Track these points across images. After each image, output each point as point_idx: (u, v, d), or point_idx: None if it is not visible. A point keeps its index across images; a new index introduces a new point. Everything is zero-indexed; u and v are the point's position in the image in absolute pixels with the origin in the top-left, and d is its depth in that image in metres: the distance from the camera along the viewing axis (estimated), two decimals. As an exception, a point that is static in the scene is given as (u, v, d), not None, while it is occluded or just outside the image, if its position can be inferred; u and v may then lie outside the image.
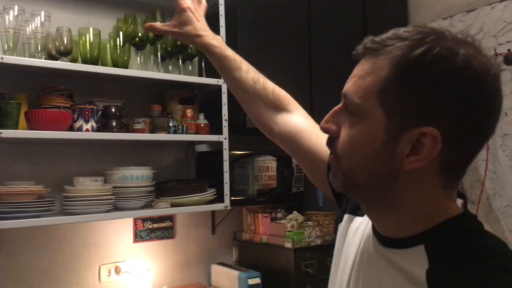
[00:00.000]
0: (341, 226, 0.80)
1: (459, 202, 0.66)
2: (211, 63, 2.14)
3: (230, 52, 0.98)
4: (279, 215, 2.22)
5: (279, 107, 0.97)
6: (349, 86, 0.64)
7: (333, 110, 0.67)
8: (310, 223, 2.15)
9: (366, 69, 0.62)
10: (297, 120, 0.95)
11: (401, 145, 0.59)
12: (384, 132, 0.60)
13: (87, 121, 1.69)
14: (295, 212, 2.25)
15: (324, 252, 2.09)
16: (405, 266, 0.61)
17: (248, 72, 0.98)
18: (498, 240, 0.61)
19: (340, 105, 0.66)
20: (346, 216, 0.80)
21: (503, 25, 2.30)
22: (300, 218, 2.19)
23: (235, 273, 2.04)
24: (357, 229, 0.75)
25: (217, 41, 0.98)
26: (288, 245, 2.03)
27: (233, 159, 2.04)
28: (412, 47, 0.58)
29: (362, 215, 0.76)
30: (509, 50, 2.26)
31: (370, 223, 0.71)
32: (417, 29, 0.60)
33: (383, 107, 0.60)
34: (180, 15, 0.96)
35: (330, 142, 0.67)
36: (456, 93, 0.58)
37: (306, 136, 0.91)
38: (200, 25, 0.96)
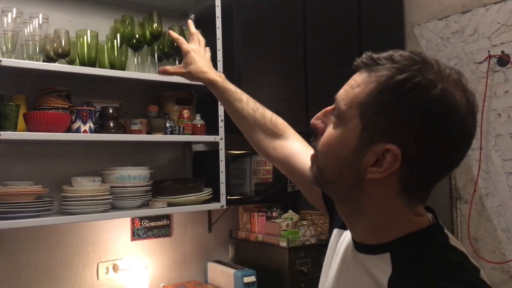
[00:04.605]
0: (331, 240, 0.86)
1: (429, 216, 0.71)
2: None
3: (231, 86, 1.10)
4: (274, 214, 2.25)
5: (276, 134, 1.07)
6: (341, 92, 0.71)
7: (325, 109, 0.74)
8: (304, 222, 2.18)
9: (358, 81, 0.68)
10: (292, 145, 1.05)
11: (368, 155, 0.66)
12: (357, 140, 0.66)
13: (85, 122, 1.71)
14: (290, 211, 2.28)
15: (318, 251, 2.12)
16: (373, 271, 0.68)
17: (248, 103, 1.08)
18: (458, 254, 0.67)
19: (332, 106, 0.73)
20: (335, 231, 0.85)
21: (497, 26, 2.32)
22: (295, 217, 2.23)
23: (231, 271, 2.07)
24: (344, 240, 0.80)
25: (219, 77, 1.10)
26: (283, 244, 2.06)
27: (229, 159, 2.07)
28: (398, 71, 0.64)
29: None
30: (502, 51, 2.28)
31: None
32: (410, 56, 0.66)
33: (361, 118, 0.66)
34: (185, 56, 1.11)
35: (315, 138, 0.74)
36: (425, 122, 0.63)
37: (300, 158, 0.99)
38: (204, 64, 1.10)
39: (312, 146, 0.74)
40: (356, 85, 0.68)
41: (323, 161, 0.71)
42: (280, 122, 1.08)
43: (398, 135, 0.63)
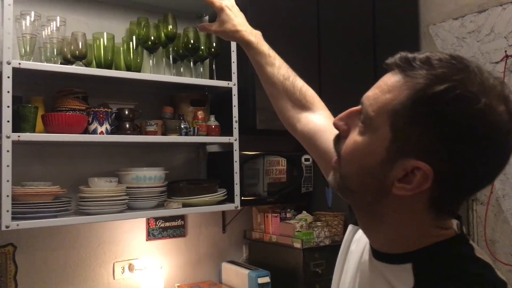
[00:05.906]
0: (345, 235, 0.84)
1: (454, 222, 0.68)
2: (221, 66, 2.10)
3: (265, 48, 1.04)
4: (288, 215, 2.25)
5: (304, 106, 1.00)
6: (369, 94, 0.65)
7: (349, 110, 0.68)
8: (319, 223, 2.17)
9: (389, 84, 0.62)
10: (318, 120, 0.97)
11: (396, 169, 0.61)
12: (385, 150, 0.61)
13: (101, 124, 1.73)
14: (304, 212, 2.28)
15: (332, 252, 2.09)
16: (393, 281, 0.65)
17: (280, 68, 1.02)
18: (484, 266, 0.63)
19: (357, 108, 0.67)
20: (350, 226, 0.83)
21: (514, 26, 2.29)
22: (309, 218, 2.22)
23: (245, 271, 2.08)
24: (360, 239, 0.78)
25: (255, 36, 1.04)
26: (297, 245, 2.06)
27: (243, 160, 2.08)
28: (437, 80, 0.58)
29: None
30: (520, 51, 2.25)
31: None
32: (451, 61, 0.59)
33: (392, 127, 0.60)
34: (219, 15, 1.04)
35: (337, 140, 0.69)
36: (462, 140, 0.57)
37: (325, 136, 0.91)
38: (238, 21, 1.03)
39: (335, 150, 0.69)
40: (387, 90, 0.61)
41: (346, 169, 0.66)
42: (310, 94, 1.02)
43: (431, 151, 0.58)
